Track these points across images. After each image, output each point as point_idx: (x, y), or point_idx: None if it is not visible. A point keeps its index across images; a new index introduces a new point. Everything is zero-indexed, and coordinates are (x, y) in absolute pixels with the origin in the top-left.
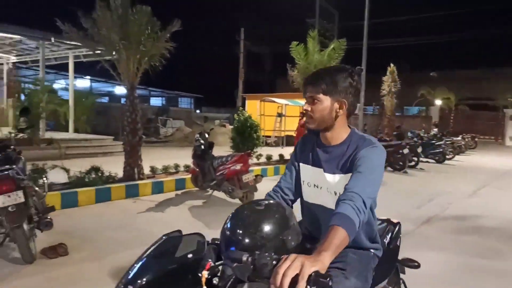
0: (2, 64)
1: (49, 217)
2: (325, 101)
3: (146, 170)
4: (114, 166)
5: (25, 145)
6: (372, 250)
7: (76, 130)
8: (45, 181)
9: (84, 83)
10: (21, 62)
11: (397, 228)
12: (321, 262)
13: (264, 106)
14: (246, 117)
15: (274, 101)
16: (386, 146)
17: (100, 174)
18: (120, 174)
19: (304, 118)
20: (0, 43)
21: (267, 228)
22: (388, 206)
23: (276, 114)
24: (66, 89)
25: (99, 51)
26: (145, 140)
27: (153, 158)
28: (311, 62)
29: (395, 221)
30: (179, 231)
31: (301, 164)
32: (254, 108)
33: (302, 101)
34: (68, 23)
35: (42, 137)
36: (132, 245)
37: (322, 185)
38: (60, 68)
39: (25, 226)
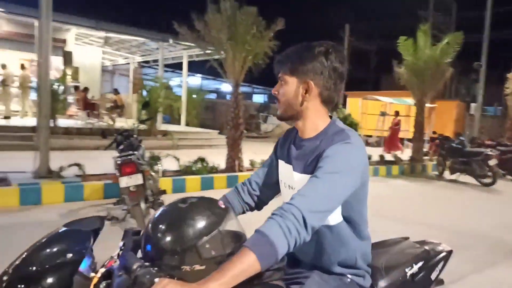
0: (129, 63)
1: (161, 199)
2: (291, 83)
3: (246, 163)
4: (218, 158)
5: (144, 135)
6: (349, 276)
7: (187, 124)
8: (160, 167)
9: (195, 80)
10: (144, 62)
11: (441, 256)
12: None
13: (366, 105)
14: (345, 116)
15: (377, 99)
16: (506, 151)
17: (205, 165)
18: (223, 165)
19: (398, 117)
20: (128, 45)
21: (179, 231)
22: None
23: (379, 113)
24: (180, 86)
25: (209, 51)
26: (246, 135)
27: (253, 152)
28: (420, 58)
29: (445, 248)
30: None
31: (279, 161)
32: (356, 106)
33: (409, 99)
34: (183, 25)
35: (158, 129)
36: None
37: (295, 186)
38: (176, 67)
39: (142, 205)
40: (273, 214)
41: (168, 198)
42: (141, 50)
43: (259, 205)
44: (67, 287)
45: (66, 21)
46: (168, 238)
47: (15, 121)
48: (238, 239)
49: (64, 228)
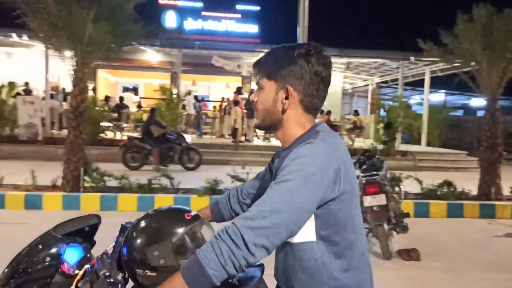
0: (367, 85)
1: (404, 222)
2: (268, 88)
3: (506, 191)
4: (467, 182)
5: (383, 155)
6: None
7: (428, 144)
8: (402, 189)
9: (438, 97)
10: (382, 82)
11: None
12: None
13: None
14: None
15: None
16: None
17: (452, 189)
18: (474, 191)
19: None
20: (368, 68)
21: (136, 237)
22: None
23: None
24: (420, 104)
25: (457, 64)
26: (506, 157)
27: None
28: None
29: None
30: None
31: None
32: None
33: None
34: (428, 41)
35: (397, 149)
36: (489, 269)
37: None
38: (416, 84)
39: (385, 226)
40: (216, 232)
41: (411, 222)
42: (380, 71)
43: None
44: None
45: None
46: (129, 242)
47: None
48: (174, 250)
49: (43, 234)
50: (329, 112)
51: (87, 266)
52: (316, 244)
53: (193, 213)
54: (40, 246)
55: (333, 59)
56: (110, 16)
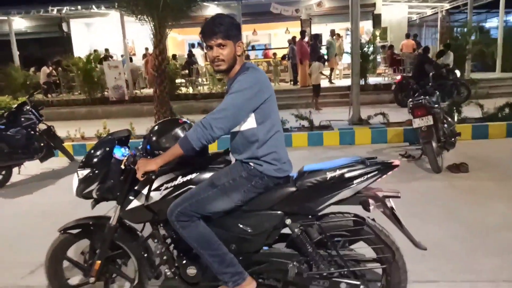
0: (436, 13)
1: (453, 139)
2: (228, 45)
3: None
4: None
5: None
6: (251, 164)
7: (503, 70)
8: (455, 113)
9: None
10: (453, 8)
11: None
12: (154, 163)
13: None
14: None
15: None
16: None
17: None
18: None
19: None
20: None
21: (153, 133)
22: None
23: None
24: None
25: None
26: None
27: None
28: None
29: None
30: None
31: None
32: None
33: None
34: None
35: (466, 78)
36: None
37: None
38: (492, 6)
39: (434, 144)
40: (195, 123)
41: (468, 144)
42: None
43: None
44: (108, 165)
45: None
46: (150, 139)
47: (337, 83)
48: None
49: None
50: (391, 47)
51: (128, 153)
52: (256, 129)
53: (183, 120)
54: (104, 142)
55: None
56: None
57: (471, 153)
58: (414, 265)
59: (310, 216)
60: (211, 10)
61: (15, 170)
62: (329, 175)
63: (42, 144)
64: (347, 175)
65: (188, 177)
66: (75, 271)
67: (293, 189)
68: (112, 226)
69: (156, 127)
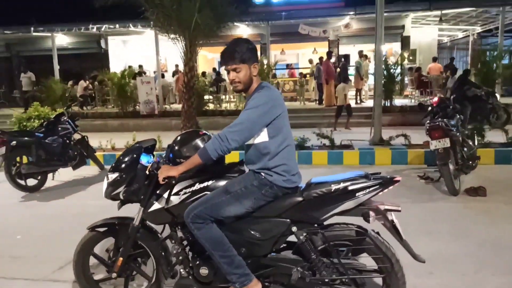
0: (468, 36)
1: (471, 162)
2: (244, 68)
3: None
4: None
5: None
6: (262, 174)
7: None
8: (476, 137)
9: None
10: (485, 31)
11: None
12: (175, 170)
13: None
14: None
15: None
16: None
17: None
18: None
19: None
20: (466, 17)
21: (176, 144)
22: None
23: None
24: None
25: None
26: None
27: None
28: None
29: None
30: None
31: None
32: None
33: None
34: None
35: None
36: None
37: None
38: None
39: (451, 166)
40: (214, 136)
41: (488, 169)
42: (481, 20)
43: None
44: (135, 170)
45: (400, 9)
46: (173, 148)
47: (353, 104)
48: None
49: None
50: (418, 69)
51: (153, 160)
52: (268, 142)
53: (203, 132)
54: (132, 149)
55: (422, 13)
56: (210, 4)
57: (492, 177)
58: (423, 280)
59: (315, 225)
60: (241, 30)
61: (49, 176)
62: (333, 187)
63: (75, 153)
64: (350, 188)
65: (205, 184)
66: (100, 268)
67: (300, 198)
68: (135, 226)
69: (178, 138)
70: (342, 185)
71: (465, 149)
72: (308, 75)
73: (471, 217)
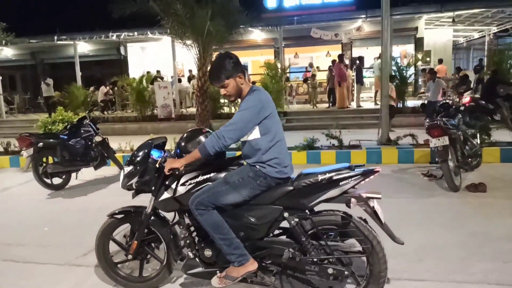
0: (484, 36)
1: (470, 160)
2: (231, 83)
3: None
4: None
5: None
6: (257, 166)
7: None
8: (478, 136)
9: None
10: (503, 31)
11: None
12: (178, 162)
13: None
14: None
15: None
16: None
17: None
18: None
19: None
20: (481, 18)
21: (181, 140)
22: None
23: None
24: None
25: None
26: None
27: None
28: None
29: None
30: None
31: None
32: None
33: None
34: None
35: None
36: None
37: None
38: None
39: (451, 163)
40: (212, 134)
41: (493, 167)
42: (497, 20)
43: None
44: (146, 163)
45: (412, 11)
46: (179, 144)
47: (367, 105)
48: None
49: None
50: (431, 70)
51: (163, 156)
52: (260, 139)
53: (206, 130)
54: (144, 145)
55: (435, 15)
56: (222, 12)
57: (496, 175)
58: (411, 265)
59: (305, 211)
60: (255, 35)
61: (73, 175)
62: (320, 177)
63: (97, 154)
64: (335, 178)
65: (208, 176)
66: (119, 254)
67: (291, 188)
68: (148, 213)
69: (185, 135)
70: (327, 175)
71: (467, 147)
72: (309, 79)
73: (467, 211)
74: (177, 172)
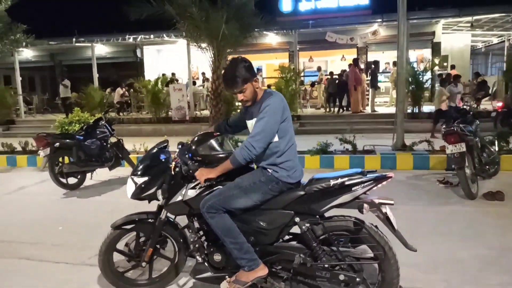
0: (503, 41)
1: (487, 167)
2: (247, 87)
3: None
4: None
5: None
6: (269, 170)
7: None
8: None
9: None
10: None
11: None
12: (213, 173)
13: None
14: None
15: None
16: None
17: None
18: None
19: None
20: (500, 23)
21: (193, 143)
22: None
23: None
24: None
25: None
26: None
27: None
28: None
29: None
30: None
31: (246, 120)
32: None
33: None
34: None
35: None
36: None
37: (250, 128)
38: None
39: (467, 170)
40: (241, 145)
41: (510, 174)
42: None
43: (233, 133)
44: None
45: (429, 16)
46: (190, 147)
47: (382, 110)
48: (216, 148)
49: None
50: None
51: (165, 157)
52: (278, 142)
53: (218, 134)
54: (153, 155)
55: (453, 20)
56: (237, 15)
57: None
58: (425, 275)
59: (317, 217)
60: (270, 38)
61: (88, 175)
62: (332, 182)
63: (112, 155)
64: (347, 183)
65: (219, 179)
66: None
67: (302, 192)
68: (162, 219)
69: (195, 138)
70: (339, 180)
71: (485, 154)
72: (316, 83)
73: (485, 220)
74: (213, 182)
